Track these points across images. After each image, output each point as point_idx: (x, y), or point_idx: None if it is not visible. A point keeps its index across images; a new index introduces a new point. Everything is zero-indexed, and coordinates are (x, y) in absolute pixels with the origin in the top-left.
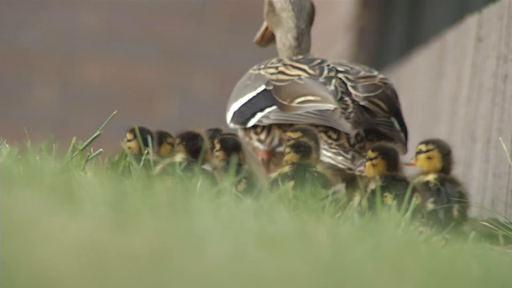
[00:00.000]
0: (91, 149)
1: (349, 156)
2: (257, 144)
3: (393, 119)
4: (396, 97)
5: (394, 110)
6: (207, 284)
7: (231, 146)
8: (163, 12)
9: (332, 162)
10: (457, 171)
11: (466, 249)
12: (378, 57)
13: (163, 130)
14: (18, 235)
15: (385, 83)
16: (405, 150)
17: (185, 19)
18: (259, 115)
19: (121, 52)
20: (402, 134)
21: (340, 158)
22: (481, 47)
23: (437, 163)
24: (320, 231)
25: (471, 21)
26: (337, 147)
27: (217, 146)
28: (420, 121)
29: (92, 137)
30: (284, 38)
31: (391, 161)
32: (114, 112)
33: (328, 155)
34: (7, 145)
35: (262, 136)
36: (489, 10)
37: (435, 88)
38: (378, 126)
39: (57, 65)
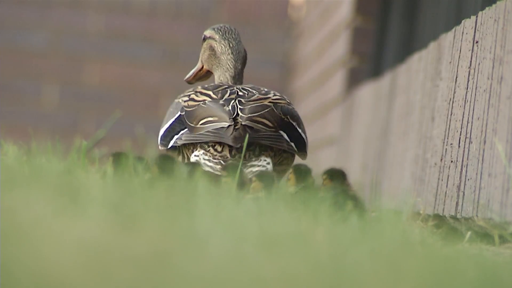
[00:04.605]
0: (96, 150)
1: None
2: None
3: (281, 132)
4: (286, 113)
5: (283, 124)
6: (209, 285)
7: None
8: (167, 14)
9: (211, 170)
10: (453, 171)
11: (462, 250)
12: (375, 60)
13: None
14: (22, 235)
15: (276, 103)
16: (303, 156)
17: (188, 21)
18: (175, 138)
19: (125, 54)
20: (292, 144)
21: (218, 167)
22: (477, 50)
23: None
24: (319, 232)
25: (467, 24)
26: (219, 158)
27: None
28: (417, 122)
29: (96, 138)
30: (223, 76)
31: (301, 176)
32: (117, 114)
33: (209, 164)
34: (12, 145)
35: (179, 156)
36: (485, 13)
37: (432, 90)
38: (259, 140)
39: (61, 66)
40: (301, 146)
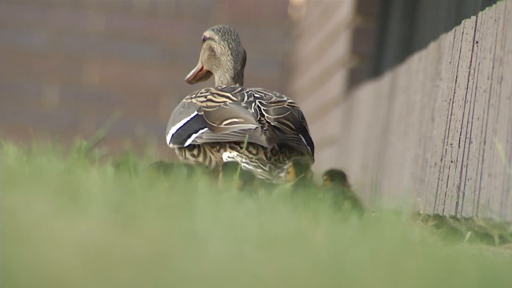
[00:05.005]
0: (96, 150)
1: (266, 168)
2: (192, 159)
3: (301, 136)
4: (302, 117)
5: (301, 128)
6: (209, 285)
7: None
8: (167, 14)
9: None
10: (453, 171)
11: (462, 250)
12: (375, 60)
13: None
14: (22, 235)
15: (293, 106)
16: (312, 160)
17: (188, 21)
18: (193, 136)
19: (125, 54)
20: (309, 148)
21: (259, 170)
22: (477, 50)
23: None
24: (319, 232)
25: (467, 24)
26: (256, 161)
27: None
28: (417, 122)
29: (96, 138)
30: (223, 77)
31: (301, 170)
32: (117, 114)
33: (249, 168)
34: (12, 145)
35: (195, 153)
36: (485, 13)
37: (432, 90)
38: (288, 141)
39: (61, 66)
40: (312, 149)
